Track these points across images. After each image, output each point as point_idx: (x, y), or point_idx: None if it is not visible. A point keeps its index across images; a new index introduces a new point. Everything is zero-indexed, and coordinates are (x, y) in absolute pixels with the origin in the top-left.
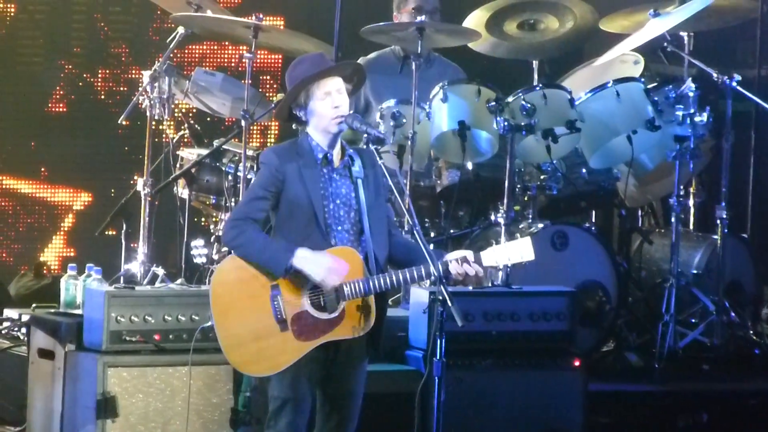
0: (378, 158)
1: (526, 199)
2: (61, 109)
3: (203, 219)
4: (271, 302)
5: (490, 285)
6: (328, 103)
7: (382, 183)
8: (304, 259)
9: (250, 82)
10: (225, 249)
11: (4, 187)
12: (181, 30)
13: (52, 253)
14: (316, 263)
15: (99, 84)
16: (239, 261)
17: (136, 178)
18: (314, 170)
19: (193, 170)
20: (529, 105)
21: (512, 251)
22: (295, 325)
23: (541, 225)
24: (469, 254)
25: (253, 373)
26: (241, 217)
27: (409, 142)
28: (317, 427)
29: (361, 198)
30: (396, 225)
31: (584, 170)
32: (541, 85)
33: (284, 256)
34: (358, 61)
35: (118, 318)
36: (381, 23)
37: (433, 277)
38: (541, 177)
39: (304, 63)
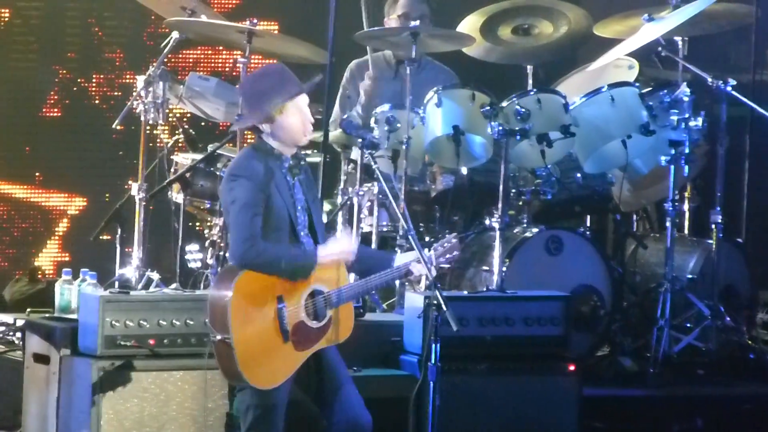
0: (372, 161)
1: (520, 203)
2: (55, 114)
3: (198, 224)
4: (279, 313)
5: (484, 290)
6: (301, 118)
7: (313, 182)
8: (322, 250)
9: None
10: (221, 253)
11: None
12: (175, 35)
13: (47, 257)
14: (332, 249)
15: (93, 89)
16: (252, 274)
17: (130, 182)
18: (282, 179)
19: (187, 175)
20: (523, 110)
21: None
22: (295, 336)
23: (535, 230)
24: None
25: (260, 385)
26: (250, 236)
27: (404, 147)
28: (332, 421)
29: (308, 199)
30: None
31: (579, 175)
32: (535, 90)
33: (311, 256)
34: (352, 63)
35: (113, 323)
36: (374, 28)
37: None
38: (536, 182)
39: (269, 78)
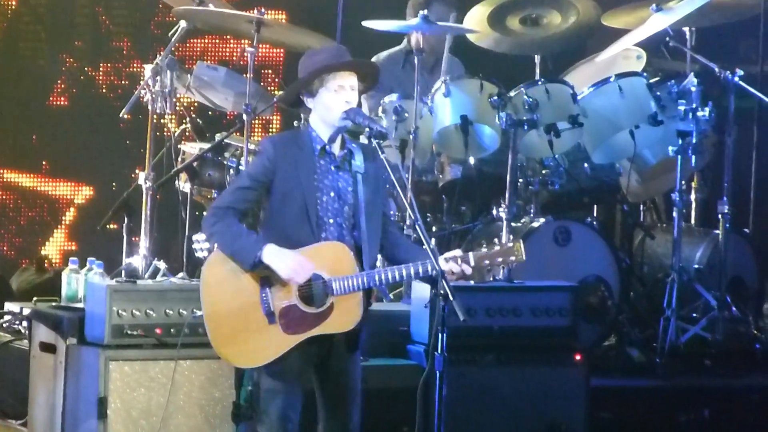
0: (380, 153)
1: (528, 194)
2: (62, 103)
3: (205, 213)
4: (260, 295)
5: (492, 280)
6: (341, 96)
7: (382, 179)
8: (272, 254)
9: (251, 76)
10: None
11: (5, 180)
12: (183, 24)
13: (54, 246)
14: (282, 260)
15: (101, 78)
16: None
17: (137, 172)
18: (310, 161)
19: (195, 164)
20: (531, 100)
21: (502, 253)
22: (283, 319)
23: (543, 220)
24: (459, 253)
25: (240, 365)
26: (223, 205)
27: (412, 137)
28: (321, 427)
29: (359, 193)
30: (394, 223)
31: (587, 165)
32: (543, 80)
33: (253, 250)
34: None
35: (120, 312)
36: (381, 20)
37: (424, 274)
38: (544, 172)
39: (325, 52)
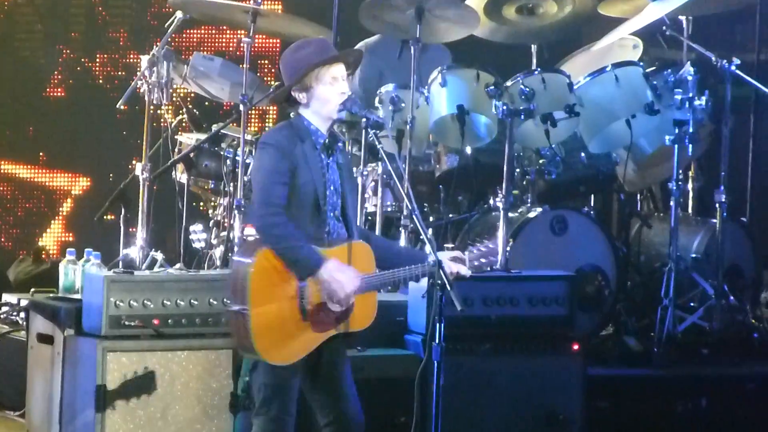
0: (377, 141)
1: (524, 183)
2: (59, 94)
3: (202, 204)
4: (299, 291)
5: (489, 270)
6: (336, 88)
7: (352, 169)
8: (331, 275)
9: (248, 66)
10: (224, 234)
11: (2, 171)
12: (179, 15)
13: (51, 237)
14: (339, 284)
15: (97, 69)
16: None
17: (134, 162)
18: (315, 156)
19: (191, 155)
20: (528, 89)
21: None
22: (314, 317)
23: (539, 209)
24: (458, 254)
25: (272, 360)
26: (275, 203)
27: (408, 127)
28: (325, 422)
29: (345, 184)
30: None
31: (583, 155)
32: (540, 70)
33: (317, 263)
34: (360, 44)
35: (117, 303)
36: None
37: (432, 264)
38: (540, 161)
39: (309, 46)
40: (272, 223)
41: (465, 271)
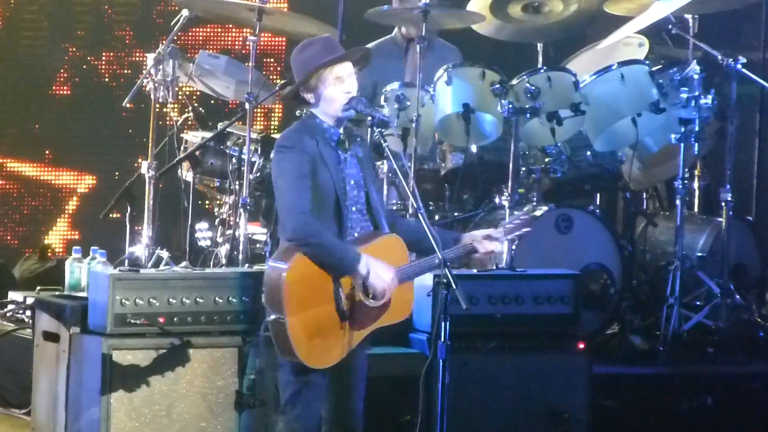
0: (382, 140)
1: (530, 182)
2: (65, 92)
3: (207, 202)
4: (335, 293)
5: (494, 268)
6: (340, 88)
7: (373, 160)
8: (370, 268)
9: (253, 64)
10: (229, 232)
11: (8, 170)
12: (185, 13)
13: (57, 235)
14: (379, 275)
15: (103, 67)
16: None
17: (140, 161)
18: (332, 153)
19: (197, 153)
20: (533, 88)
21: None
22: (352, 316)
23: (545, 208)
24: (492, 231)
25: (316, 365)
26: (305, 210)
27: (414, 125)
28: (327, 410)
29: (367, 177)
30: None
31: (589, 153)
32: (545, 68)
33: (352, 262)
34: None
35: (123, 301)
36: (385, 7)
37: (438, 261)
38: (546, 160)
39: (314, 46)
40: (308, 232)
41: (498, 247)
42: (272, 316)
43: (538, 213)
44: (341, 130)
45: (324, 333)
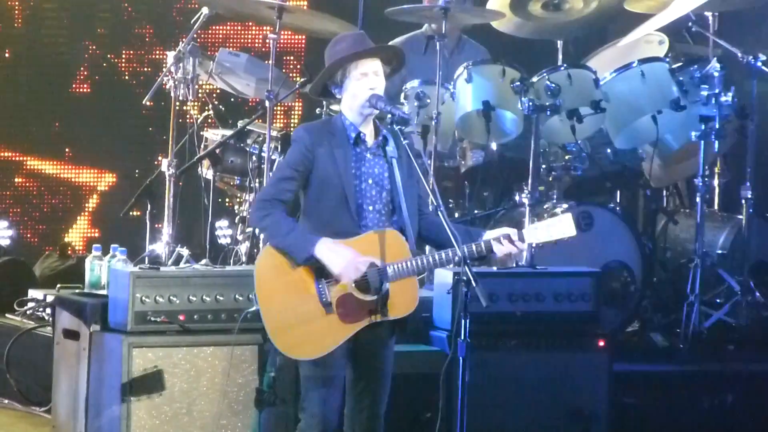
0: (402, 138)
1: (550, 179)
2: (85, 90)
3: (227, 200)
4: (316, 285)
5: (515, 266)
6: (364, 84)
7: (412, 163)
8: (327, 249)
9: (273, 62)
10: (249, 229)
11: (28, 168)
12: (205, 10)
13: (77, 233)
14: (337, 255)
15: (123, 65)
16: None
17: (160, 158)
18: (346, 150)
19: (217, 151)
20: (554, 85)
21: (554, 228)
22: (341, 308)
23: (565, 205)
24: (512, 232)
25: (299, 356)
26: (268, 198)
27: (434, 123)
28: (348, 407)
29: (396, 178)
30: (426, 204)
31: (609, 150)
32: (565, 66)
33: (306, 245)
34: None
35: (143, 299)
36: (405, 6)
37: (458, 258)
38: (566, 157)
39: (345, 41)
40: (258, 217)
41: (515, 250)
42: (254, 307)
43: (568, 235)
44: (365, 129)
45: (306, 324)
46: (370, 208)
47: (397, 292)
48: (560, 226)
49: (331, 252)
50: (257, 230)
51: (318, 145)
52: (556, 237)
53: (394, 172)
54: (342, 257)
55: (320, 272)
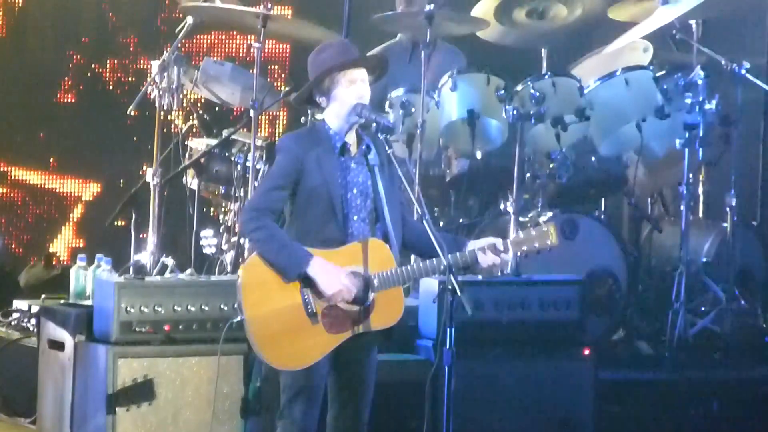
0: (387, 147)
1: (535, 187)
2: (69, 100)
3: (212, 209)
4: (302, 295)
5: (499, 274)
6: (352, 91)
7: (394, 170)
8: (320, 269)
9: (258, 71)
10: (234, 239)
11: (13, 177)
12: (189, 19)
13: (62, 243)
14: (329, 276)
15: (107, 74)
16: None
17: (145, 168)
18: (332, 158)
19: (202, 160)
20: (538, 93)
21: (538, 237)
22: (326, 318)
23: (550, 213)
24: (497, 242)
25: (284, 367)
26: (260, 207)
27: (419, 131)
28: (331, 416)
29: (378, 186)
30: (410, 212)
31: (594, 158)
32: (550, 73)
33: (300, 263)
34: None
35: (128, 308)
36: (390, 12)
37: (443, 267)
38: (551, 165)
39: (331, 49)
40: (251, 228)
41: (498, 261)
42: (239, 317)
43: (551, 244)
44: (348, 137)
45: (292, 334)
46: (355, 217)
47: (382, 302)
48: (544, 235)
49: (324, 273)
50: (247, 240)
51: (306, 155)
52: (540, 246)
53: (376, 180)
54: (334, 279)
55: (305, 282)
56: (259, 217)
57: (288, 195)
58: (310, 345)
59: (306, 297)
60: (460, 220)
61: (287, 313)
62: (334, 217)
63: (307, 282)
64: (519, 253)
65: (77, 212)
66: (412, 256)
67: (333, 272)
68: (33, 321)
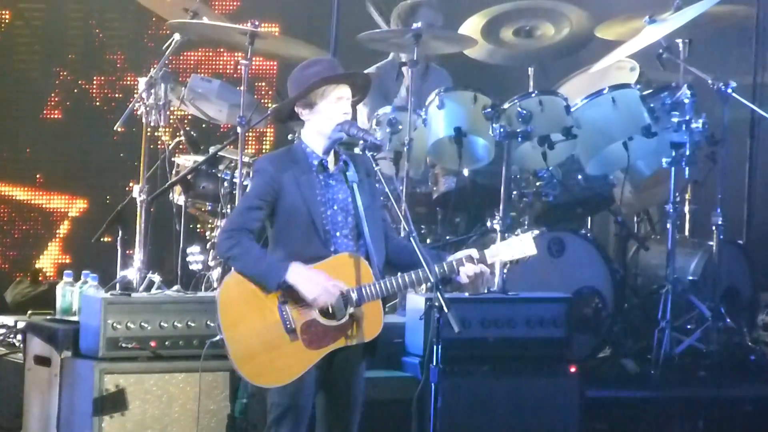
0: (374, 164)
1: (522, 205)
2: (56, 116)
3: (199, 226)
4: (280, 312)
5: (486, 291)
6: (339, 107)
7: (376, 187)
8: (299, 275)
9: (245, 88)
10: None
11: None
12: (177, 36)
13: (48, 259)
14: (310, 281)
15: (94, 90)
16: None
17: (131, 184)
18: (310, 177)
19: (189, 177)
20: (525, 112)
21: (515, 248)
22: (305, 334)
23: (537, 231)
24: (473, 252)
25: (265, 384)
26: (236, 227)
27: (406, 149)
28: None
29: (357, 202)
30: (393, 228)
31: (580, 177)
32: (537, 92)
33: (278, 271)
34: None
35: (115, 325)
36: (378, 30)
37: (430, 283)
38: (538, 183)
39: (319, 65)
40: (227, 247)
41: (478, 270)
42: (218, 336)
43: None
44: (328, 156)
45: (271, 351)
46: (338, 233)
47: (360, 317)
48: (521, 245)
49: (303, 278)
50: (225, 259)
51: (282, 175)
52: (517, 256)
53: (355, 197)
54: (315, 283)
55: (283, 298)
56: (234, 235)
57: (265, 215)
58: (290, 362)
59: (284, 314)
60: (447, 238)
61: (266, 330)
62: (316, 234)
63: (287, 294)
64: (502, 266)
65: (64, 228)
66: (398, 273)
67: (312, 276)
68: (19, 337)
